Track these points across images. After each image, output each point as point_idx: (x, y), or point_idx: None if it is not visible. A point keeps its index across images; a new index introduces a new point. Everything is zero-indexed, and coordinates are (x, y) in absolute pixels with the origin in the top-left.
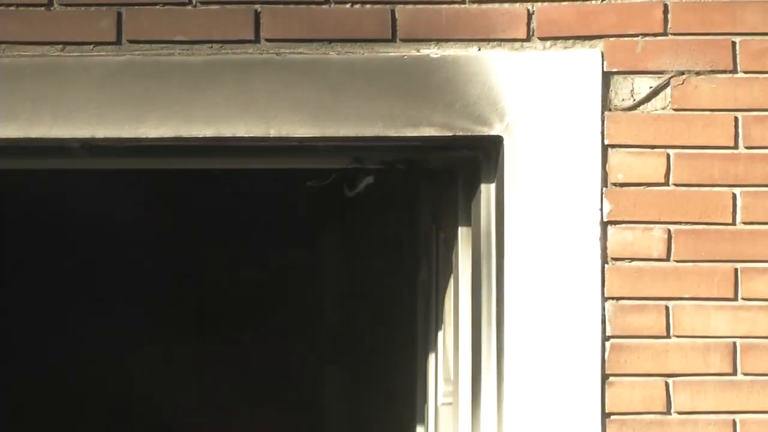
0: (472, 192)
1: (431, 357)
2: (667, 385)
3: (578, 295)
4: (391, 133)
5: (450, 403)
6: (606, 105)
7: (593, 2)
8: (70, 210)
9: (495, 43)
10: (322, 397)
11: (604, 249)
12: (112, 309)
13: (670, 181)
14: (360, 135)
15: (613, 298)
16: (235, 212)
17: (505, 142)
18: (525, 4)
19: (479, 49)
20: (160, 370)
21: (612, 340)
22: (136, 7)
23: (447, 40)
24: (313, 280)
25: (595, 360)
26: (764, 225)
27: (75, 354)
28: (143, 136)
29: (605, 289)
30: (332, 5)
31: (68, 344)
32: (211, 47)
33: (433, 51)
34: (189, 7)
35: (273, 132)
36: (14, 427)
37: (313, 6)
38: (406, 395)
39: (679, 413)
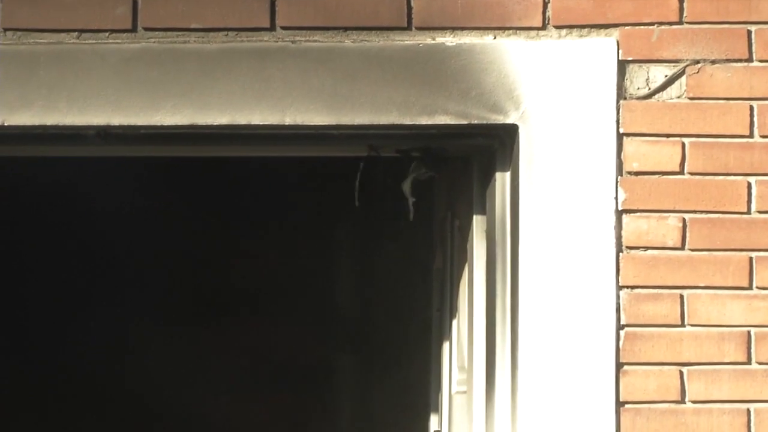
0: (487, 180)
1: (446, 345)
2: (681, 374)
3: (593, 283)
4: (407, 121)
5: (464, 392)
6: (621, 93)
7: None
8: (80, 198)
9: (510, 31)
10: (336, 385)
11: (618, 238)
12: (125, 300)
13: (685, 170)
14: (375, 123)
15: (627, 287)
16: (251, 200)
17: (521, 131)
18: None
19: (495, 38)
20: (174, 360)
21: (626, 329)
22: None
23: (462, 29)
24: (328, 269)
25: (610, 349)
26: None
27: (89, 345)
28: (158, 123)
29: (620, 277)
30: None
31: (82, 335)
32: (227, 35)
33: (448, 39)
34: None
35: (288, 120)
36: (24, 425)
37: None
38: (421, 383)
39: (694, 402)
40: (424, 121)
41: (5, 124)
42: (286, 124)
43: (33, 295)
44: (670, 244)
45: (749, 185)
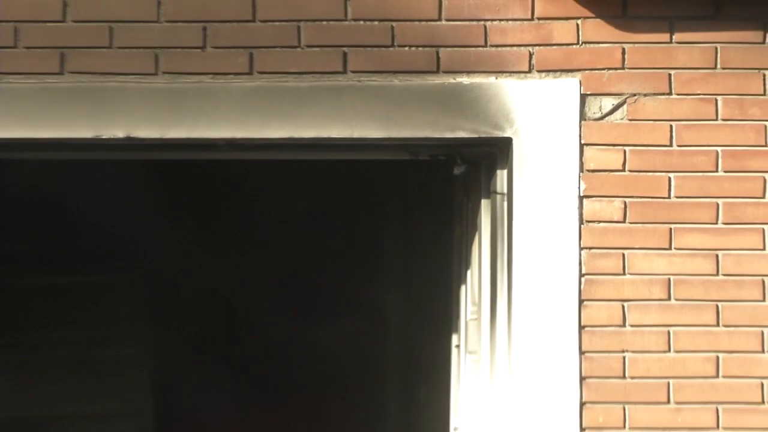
0: (491, 175)
1: (462, 288)
2: (623, 307)
3: (563, 245)
4: (436, 135)
5: (475, 319)
6: (582, 116)
7: (574, 46)
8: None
9: (507, 74)
10: (387, 315)
11: (580, 215)
12: None
13: (626, 169)
14: (415, 136)
15: (586, 248)
16: (313, 190)
17: (514, 142)
18: (527, 47)
19: (496, 78)
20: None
21: (586, 277)
22: (263, 49)
23: (474, 72)
24: (381, 236)
25: (574, 290)
26: (690, 198)
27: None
28: (268, 137)
29: (581, 241)
30: (396, 48)
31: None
32: (314, 76)
33: (464, 79)
34: (298, 49)
35: (356, 134)
36: None
37: (383, 48)
38: (446, 315)
39: (631, 326)
40: (448, 135)
41: (164, 137)
42: (354, 137)
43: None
44: (615, 219)
45: (669, 179)
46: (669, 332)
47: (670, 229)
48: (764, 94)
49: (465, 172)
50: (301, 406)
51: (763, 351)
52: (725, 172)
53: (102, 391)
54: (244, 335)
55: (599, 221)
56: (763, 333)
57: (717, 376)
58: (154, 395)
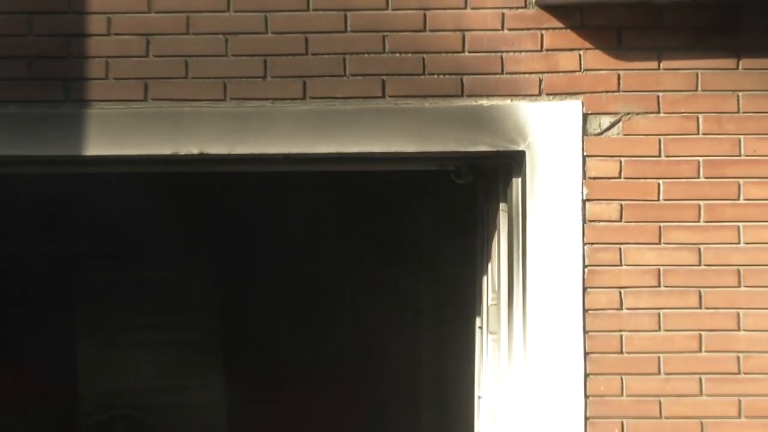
0: (507, 183)
1: (484, 278)
2: (620, 293)
3: (569, 241)
4: (461, 149)
5: (495, 304)
6: (584, 132)
7: (577, 73)
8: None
9: (520, 96)
10: (421, 300)
11: (584, 215)
12: None
13: (622, 176)
14: (443, 150)
15: (589, 243)
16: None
17: (527, 154)
18: (537, 74)
19: (511, 100)
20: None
21: (588, 267)
22: (314, 78)
23: (493, 95)
24: (418, 236)
25: (579, 279)
26: (676, 201)
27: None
28: (318, 152)
29: (584, 238)
30: (426, 75)
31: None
32: (357, 100)
33: (484, 101)
34: (344, 78)
35: (393, 149)
36: None
37: (415, 76)
38: (471, 301)
39: (627, 309)
40: (471, 149)
41: (232, 153)
42: (392, 151)
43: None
44: (613, 218)
45: (659, 185)
46: (659, 314)
47: (660, 227)
48: (738, 112)
49: (472, 181)
50: (353, 371)
51: (739, 329)
52: (706, 178)
53: (180, 366)
54: (301, 317)
55: (599, 221)
56: (738, 314)
57: (700, 350)
58: (223, 369)
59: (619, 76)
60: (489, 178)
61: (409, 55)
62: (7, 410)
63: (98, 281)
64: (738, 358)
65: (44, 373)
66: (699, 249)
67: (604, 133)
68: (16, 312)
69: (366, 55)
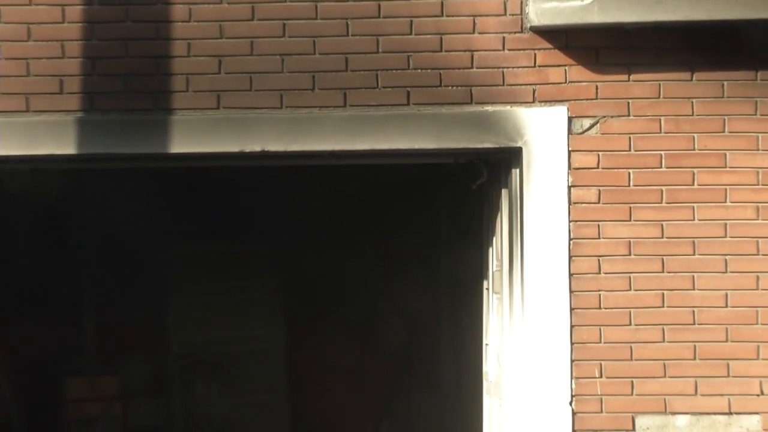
0: (508, 173)
1: (490, 249)
2: (599, 260)
3: (558, 219)
4: (471, 146)
5: (499, 270)
6: (570, 131)
7: (563, 84)
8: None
9: (518, 103)
10: (442, 265)
11: (569, 198)
12: None
13: (600, 166)
14: (456, 147)
15: (573, 221)
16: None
17: (523, 150)
18: (531, 86)
19: (511, 107)
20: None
21: (573, 240)
22: (353, 89)
23: (496, 102)
24: (437, 216)
25: (565, 249)
26: (643, 186)
27: None
28: (356, 148)
29: (570, 216)
30: (443, 87)
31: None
32: (387, 107)
33: (489, 107)
34: (377, 89)
35: (416, 146)
36: None
37: (434, 87)
38: (479, 267)
39: (604, 273)
40: (479, 145)
41: (287, 150)
42: (415, 148)
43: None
44: (593, 201)
45: (629, 173)
46: (630, 277)
47: (630, 207)
48: (692, 115)
49: (479, 172)
50: (387, 322)
51: (693, 289)
52: (666, 168)
53: (248, 321)
54: (346, 280)
55: (582, 202)
56: (693, 276)
57: (663, 306)
58: (283, 323)
59: (597, 86)
60: (493, 169)
61: (429, 70)
62: (121, 352)
63: (187, 254)
64: (693, 312)
65: (145, 326)
66: (662, 225)
67: (585, 133)
68: (126, 280)
69: (394, 71)
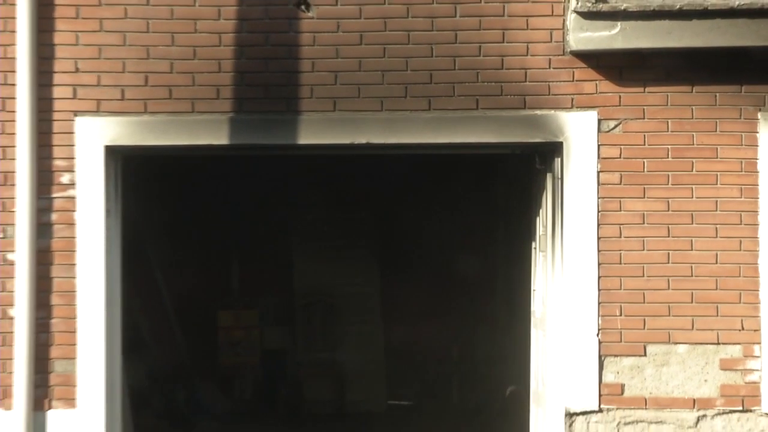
0: (552, 160)
1: (537, 218)
2: (620, 228)
3: (589, 196)
4: (524, 140)
5: (544, 234)
6: (599, 130)
7: (594, 94)
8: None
9: (560, 109)
10: (497, 234)
11: (598, 180)
12: None
13: (621, 157)
14: (513, 141)
15: (601, 197)
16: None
17: (564, 144)
18: (570, 95)
19: (555, 111)
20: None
21: (601, 212)
22: (435, 97)
23: (543, 108)
24: (497, 193)
25: (594, 218)
26: (654, 172)
27: None
28: (438, 142)
29: (599, 194)
30: (503, 96)
31: None
32: (461, 111)
33: (538, 112)
34: (453, 97)
35: (483, 140)
36: None
37: (497, 96)
38: (529, 231)
39: (624, 237)
40: (530, 140)
41: (386, 143)
42: (482, 141)
43: None
44: (616, 182)
45: (643, 162)
46: (643, 240)
47: (644, 188)
48: (692, 118)
49: (532, 160)
50: (456, 273)
51: (691, 249)
52: (672, 158)
53: (353, 270)
54: (428, 241)
55: (608, 184)
56: (691, 240)
57: (668, 262)
58: (379, 273)
59: (620, 96)
60: (540, 158)
61: (493, 83)
62: (259, 293)
63: (308, 220)
64: (691, 267)
65: (277, 274)
66: (668, 201)
67: (611, 131)
68: (263, 240)
69: (467, 84)
